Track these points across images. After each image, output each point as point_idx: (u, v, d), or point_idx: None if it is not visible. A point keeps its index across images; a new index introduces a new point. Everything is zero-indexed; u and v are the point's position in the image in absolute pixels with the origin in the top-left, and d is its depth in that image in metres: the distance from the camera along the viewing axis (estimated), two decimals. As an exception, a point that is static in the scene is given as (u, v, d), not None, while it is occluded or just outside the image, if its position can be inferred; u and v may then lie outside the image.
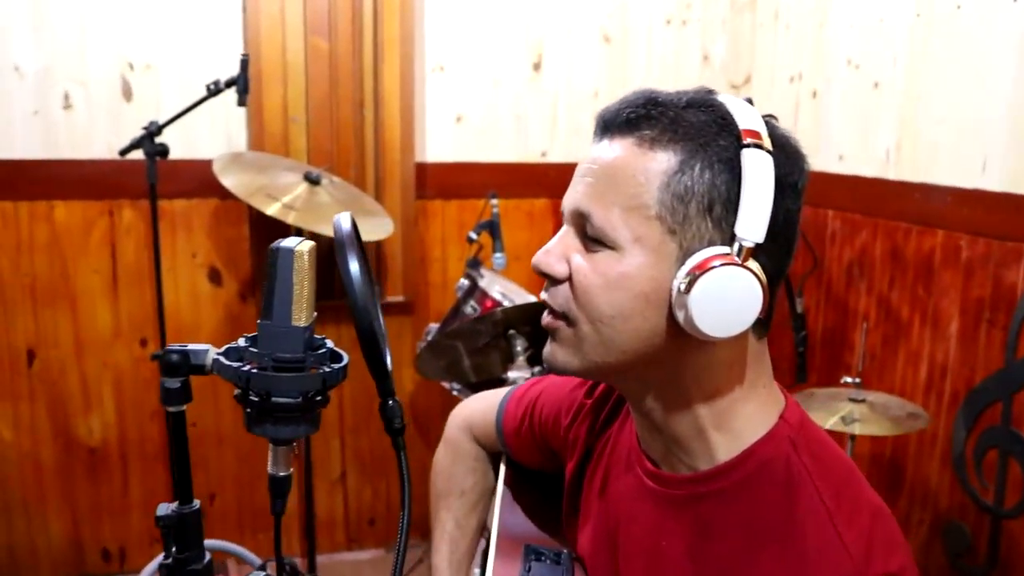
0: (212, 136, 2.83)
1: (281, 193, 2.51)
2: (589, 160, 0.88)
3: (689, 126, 0.83)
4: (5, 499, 2.87)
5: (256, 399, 0.75)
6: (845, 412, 2.11)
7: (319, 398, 0.76)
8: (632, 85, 3.24)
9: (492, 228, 2.65)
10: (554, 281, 0.88)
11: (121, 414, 2.93)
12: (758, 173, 0.80)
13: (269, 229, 2.80)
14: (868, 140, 2.61)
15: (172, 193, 2.81)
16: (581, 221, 0.86)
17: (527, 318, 2.30)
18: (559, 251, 0.88)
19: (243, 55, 2.28)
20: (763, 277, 0.80)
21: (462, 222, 3.09)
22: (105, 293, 2.86)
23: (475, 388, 2.52)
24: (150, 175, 2.38)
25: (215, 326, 2.96)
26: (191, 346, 0.77)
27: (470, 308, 2.51)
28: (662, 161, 0.83)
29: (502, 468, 1.26)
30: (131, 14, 2.71)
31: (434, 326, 2.65)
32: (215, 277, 2.95)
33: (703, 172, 0.81)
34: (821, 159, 2.78)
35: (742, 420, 0.88)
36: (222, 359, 0.76)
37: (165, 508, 0.81)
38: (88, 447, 2.91)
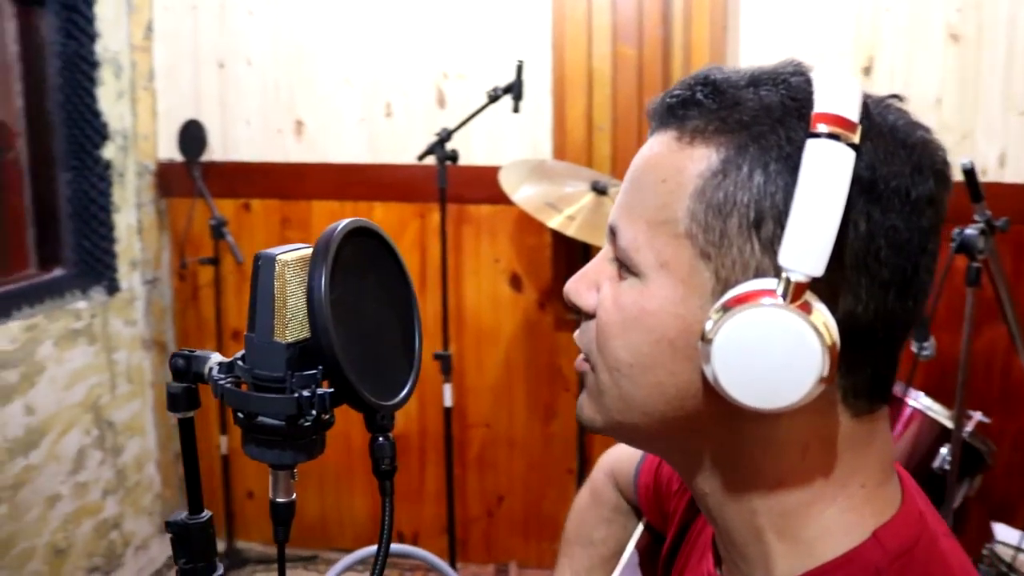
0: (519, 143, 2.88)
1: (565, 203, 2.48)
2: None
3: (744, 111, 0.61)
4: (321, 471, 3.15)
5: (240, 417, 0.70)
6: None
7: (307, 423, 0.70)
8: (986, 90, 2.80)
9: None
10: (585, 314, 0.71)
11: (422, 407, 3.08)
12: (823, 174, 0.56)
13: (569, 238, 2.79)
14: None
15: (478, 198, 2.90)
16: (613, 239, 0.68)
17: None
18: (591, 277, 0.70)
19: (519, 61, 2.27)
20: (828, 325, 0.56)
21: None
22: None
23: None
24: (440, 179, 2.46)
25: (513, 331, 3.01)
26: (197, 352, 0.74)
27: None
28: (699, 160, 0.62)
29: (639, 528, 1.09)
30: (447, 27, 2.84)
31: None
32: (516, 283, 2.99)
33: (752, 174, 0.59)
34: None
35: (816, 529, 0.63)
36: (214, 370, 0.72)
37: (175, 516, 0.78)
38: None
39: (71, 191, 2.72)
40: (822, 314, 0.57)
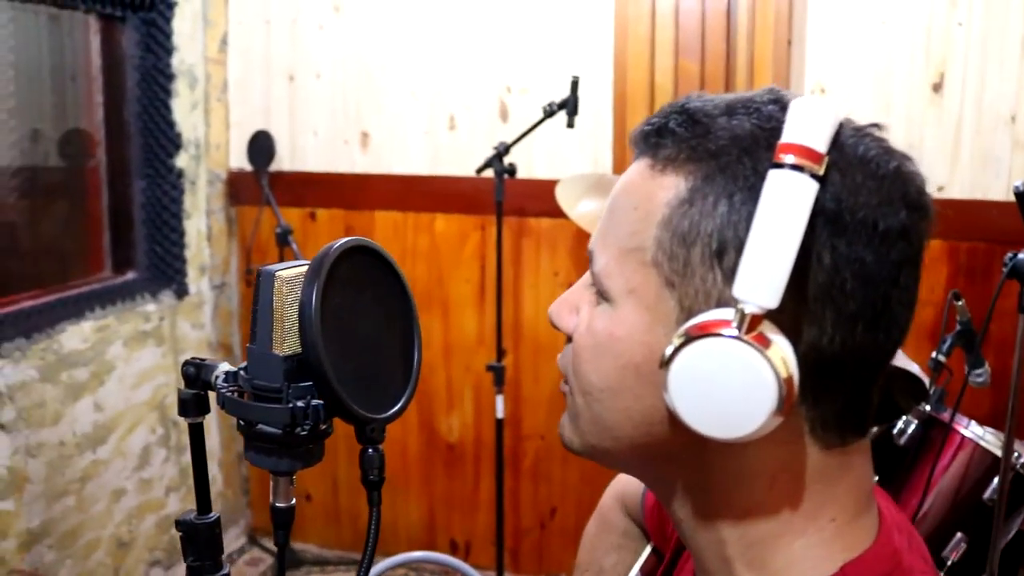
0: (581, 157, 2.89)
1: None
2: None
3: (714, 140, 0.61)
4: (378, 477, 3.20)
5: (242, 424, 0.73)
6: None
7: (303, 433, 0.72)
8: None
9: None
10: (567, 337, 0.71)
11: (478, 416, 3.11)
12: (781, 205, 0.55)
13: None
14: None
15: (538, 211, 2.92)
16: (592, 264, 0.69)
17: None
18: (573, 301, 0.70)
19: (574, 77, 2.29)
20: (785, 358, 0.55)
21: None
22: (473, 302, 3.06)
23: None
24: (497, 193, 2.49)
25: (569, 344, 3.01)
26: (208, 360, 0.78)
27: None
28: (669, 188, 0.62)
29: (646, 550, 1.09)
30: (511, 42, 2.87)
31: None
32: (574, 296, 3.00)
33: (717, 204, 0.59)
34: None
35: (784, 561, 0.63)
36: (220, 379, 0.75)
37: (185, 515, 0.82)
38: (447, 443, 3.14)
39: (145, 198, 2.84)
40: (779, 346, 0.56)
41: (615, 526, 1.13)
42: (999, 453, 1.62)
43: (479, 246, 3.03)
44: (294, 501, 0.78)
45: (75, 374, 2.47)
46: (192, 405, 0.77)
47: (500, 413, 2.70)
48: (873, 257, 0.58)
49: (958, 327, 1.84)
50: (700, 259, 0.60)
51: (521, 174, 2.66)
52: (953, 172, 2.70)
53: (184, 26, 2.85)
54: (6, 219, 2.64)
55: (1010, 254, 1.52)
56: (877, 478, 1.77)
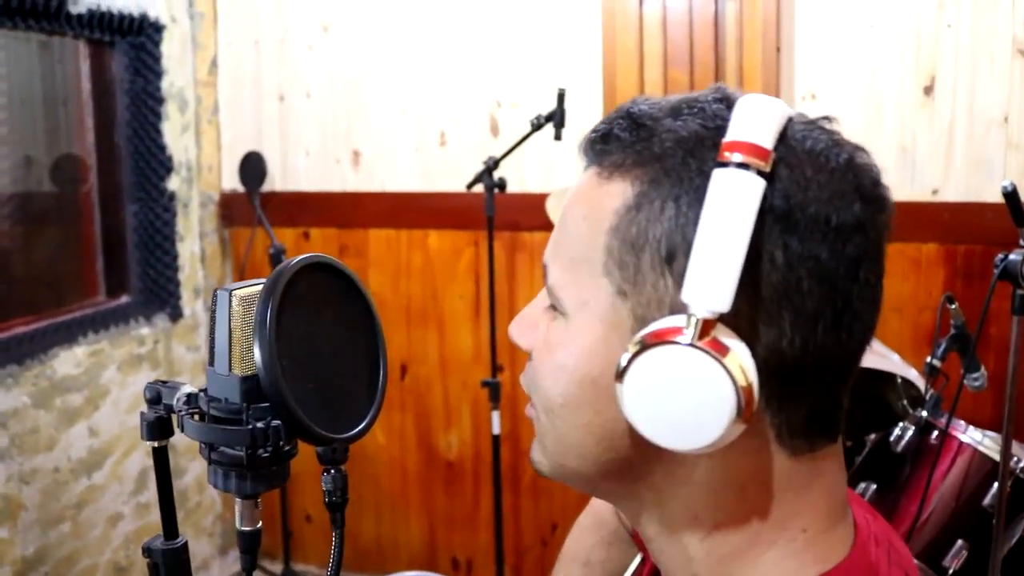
0: (573, 169, 2.87)
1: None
2: None
3: (658, 143, 0.60)
4: (376, 495, 3.19)
5: (203, 447, 0.72)
6: None
7: (265, 455, 0.71)
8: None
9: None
10: (529, 355, 0.69)
11: (476, 433, 3.09)
12: (726, 205, 0.54)
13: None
14: None
15: (531, 226, 2.91)
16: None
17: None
18: (532, 317, 0.69)
19: (560, 89, 2.28)
20: (742, 362, 0.54)
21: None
22: (468, 318, 3.04)
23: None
24: (488, 208, 2.48)
25: (567, 357, 2.99)
26: (169, 383, 0.76)
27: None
28: (616, 195, 0.60)
29: (637, 558, 1.07)
30: (499, 57, 2.87)
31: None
32: (570, 309, 2.98)
33: (664, 207, 0.58)
34: None
35: (752, 571, 0.61)
36: (180, 401, 0.74)
37: (151, 541, 0.80)
38: (446, 460, 3.12)
39: (137, 221, 2.83)
40: (735, 351, 0.54)
41: (607, 524, 1.11)
42: (998, 458, 1.60)
43: (473, 261, 3.02)
44: (260, 524, 0.76)
45: (69, 399, 2.46)
46: (156, 428, 0.76)
47: (496, 429, 2.68)
48: (828, 253, 0.56)
49: (952, 331, 1.82)
50: (650, 266, 0.58)
51: (513, 188, 2.65)
52: (947, 175, 2.69)
53: (173, 49, 2.86)
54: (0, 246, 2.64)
55: (1000, 255, 1.51)
56: (876, 485, 1.75)
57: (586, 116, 2.78)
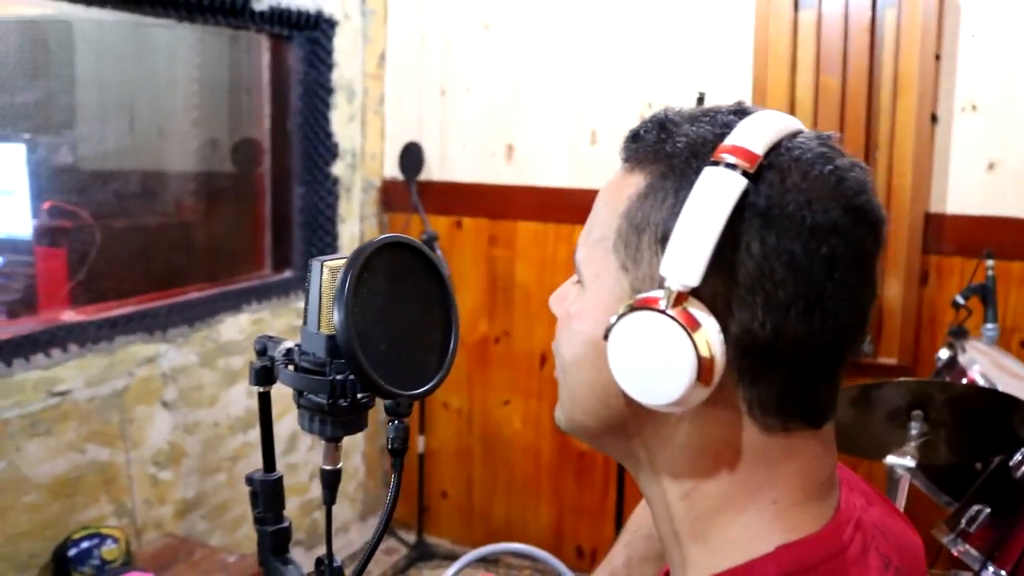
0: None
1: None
2: None
3: (673, 143, 0.68)
4: (511, 478, 3.30)
5: (295, 392, 0.83)
6: None
7: (344, 403, 0.81)
8: None
9: (984, 293, 2.25)
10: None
11: (608, 426, 3.15)
12: (706, 196, 0.62)
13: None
14: None
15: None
16: None
17: (953, 402, 1.89)
18: (565, 290, 0.79)
19: (700, 93, 2.30)
20: (707, 333, 0.62)
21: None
22: (607, 312, 3.10)
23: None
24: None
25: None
26: (276, 337, 0.88)
27: (943, 384, 2.16)
28: (633, 185, 0.69)
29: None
30: (652, 58, 2.92)
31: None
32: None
33: (666, 198, 0.66)
34: None
35: (725, 535, 0.68)
36: (281, 353, 0.85)
37: (254, 473, 0.93)
38: (579, 450, 3.19)
39: (304, 203, 3.06)
40: (704, 324, 0.62)
41: None
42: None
43: (615, 258, 3.08)
44: (340, 465, 0.87)
45: (231, 361, 2.70)
46: (262, 375, 0.88)
47: (624, 423, 2.73)
48: (802, 250, 0.62)
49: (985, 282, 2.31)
50: (648, 245, 0.67)
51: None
52: (1121, 195, 2.53)
53: (345, 43, 3.06)
54: (183, 219, 2.92)
55: None
56: (989, 510, 1.69)
57: (735, 119, 2.78)
